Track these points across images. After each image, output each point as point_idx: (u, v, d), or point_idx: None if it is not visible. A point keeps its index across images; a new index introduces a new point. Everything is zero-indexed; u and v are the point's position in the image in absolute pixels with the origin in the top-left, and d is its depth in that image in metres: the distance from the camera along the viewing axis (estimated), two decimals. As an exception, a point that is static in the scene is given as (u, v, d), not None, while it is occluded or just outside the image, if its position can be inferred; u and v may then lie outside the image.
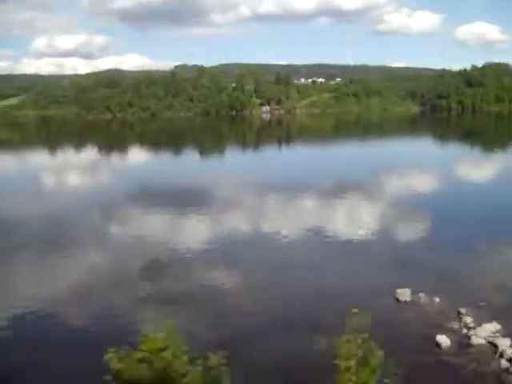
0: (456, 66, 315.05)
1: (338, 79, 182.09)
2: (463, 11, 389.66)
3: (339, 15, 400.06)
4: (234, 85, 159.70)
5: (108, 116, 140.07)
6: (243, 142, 63.76)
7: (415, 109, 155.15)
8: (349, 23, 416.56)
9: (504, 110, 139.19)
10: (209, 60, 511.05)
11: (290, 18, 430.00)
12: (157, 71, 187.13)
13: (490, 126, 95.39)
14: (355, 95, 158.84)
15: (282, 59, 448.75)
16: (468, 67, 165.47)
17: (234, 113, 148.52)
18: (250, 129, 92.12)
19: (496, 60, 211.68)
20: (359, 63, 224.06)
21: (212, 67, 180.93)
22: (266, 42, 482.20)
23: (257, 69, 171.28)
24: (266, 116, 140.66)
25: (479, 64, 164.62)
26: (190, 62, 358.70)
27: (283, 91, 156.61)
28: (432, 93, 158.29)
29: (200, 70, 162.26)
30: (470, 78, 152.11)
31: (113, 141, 75.42)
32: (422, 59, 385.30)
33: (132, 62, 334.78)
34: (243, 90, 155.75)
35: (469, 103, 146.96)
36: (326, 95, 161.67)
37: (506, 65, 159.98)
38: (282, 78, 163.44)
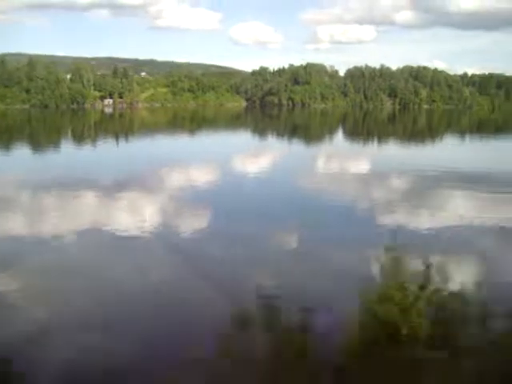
0: (235, 64, 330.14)
1: (143, 73, 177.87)
2: (240, 11, 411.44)
3: (119, 8, 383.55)
4: (69, 76, 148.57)
5: None
6: (79, 137, 56.12)
7: (244, 104, 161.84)
8: (128, 16, 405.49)
9: (328, 107, 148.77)
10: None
11: (69, 8, 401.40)
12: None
13: (315, 121, 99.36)
14: (190, 90, 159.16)
15: (69, 51, 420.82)
16: (286, 65, 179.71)
17: (75, 106, 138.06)
18: (89, 122, 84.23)
19: (316, 60, 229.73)
20: (148, 57, 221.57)
21: (39, 56, 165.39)
22: (48, 33, 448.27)
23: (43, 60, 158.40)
24: (109, 109, 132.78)
25: (297, 63, 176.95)
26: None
27: (125, 84, 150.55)
28: (257, 89, 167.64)
29: (30, 60, 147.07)
30: (298, 77, 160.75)
31: None
32: (204, 55, 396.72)
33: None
34: (82, 83, 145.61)
35: (298, 100, 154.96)
36: (162, 90, 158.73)
37: (322, 65, 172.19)
38: (120, 71, 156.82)
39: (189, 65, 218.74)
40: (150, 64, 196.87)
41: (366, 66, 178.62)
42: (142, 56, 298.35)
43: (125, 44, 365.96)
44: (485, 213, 17.98)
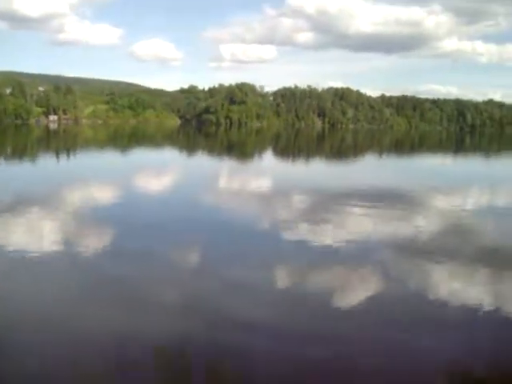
0: (134, 79, 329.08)
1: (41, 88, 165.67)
2: (142, 27, 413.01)
3: (19, 21, 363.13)
4: (8, 91, 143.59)
5: None
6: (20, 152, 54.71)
7: (179, 122, 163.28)
8: (29, 30, 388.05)
9: (264, 126, 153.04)
10: None
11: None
12: None
13: (250, 139, 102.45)
14: (131, 108, 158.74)
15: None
16: (216, 84, 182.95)
17: (19, 121, 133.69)
18: (32, 138, 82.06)
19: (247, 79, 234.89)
20: (53, 73, 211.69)
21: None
22: None
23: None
24: (54, 126, 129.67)
25: (225, 83, 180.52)
26: None
27: (69, 100, 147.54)
28: (189, 107, 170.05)
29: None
30: (234, 96, 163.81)
31: None
32: (107, 71, 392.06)
33: None
34: (25, 98, 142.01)
35: (236, 119, 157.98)
36: (102, 106, 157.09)
37: (253, 85, 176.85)
38: (62, 87, 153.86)
39: (96, 81, 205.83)
40: (56, 80, 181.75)
41: (296, 87, 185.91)
42: (46, 71, 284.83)
43: (27, 58, 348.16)
44: (377, 227, 18.69)
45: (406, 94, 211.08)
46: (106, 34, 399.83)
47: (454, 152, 78.18)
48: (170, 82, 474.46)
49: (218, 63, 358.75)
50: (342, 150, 74.77)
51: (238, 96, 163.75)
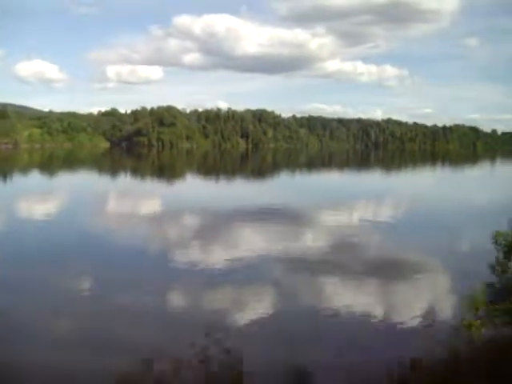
0: (20, 101, 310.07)
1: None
2: (24, 48, 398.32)
3: None
4: None
5: None
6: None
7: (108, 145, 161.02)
8: None
9: (193, 147, 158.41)
10: None
11: None
12: None
13: (182, 160, 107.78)
14: (64, 132, 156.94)
15: None
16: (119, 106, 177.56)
17: None
18: None
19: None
20: None
21: None
22: None
23: None
24: None
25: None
26: None
27: (7, 124, 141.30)
28: (115, 130, 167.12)
29: None
30: (163, 118, 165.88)
31: None
32: None
33: None
34: None
35: (167, 140, 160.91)
36: (36, 130, 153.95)
37: (176, 108, 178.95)
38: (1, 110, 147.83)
39: None
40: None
41: (218, 109, 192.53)
42: None
43: None
44: (269, 244, 20.10)
45: (293, 113, 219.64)
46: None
47: (359, 168, 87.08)
48: (56, 103, 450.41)
49: (104, 84, 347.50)
50: (262, 170, 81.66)
51: (166, 118, 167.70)
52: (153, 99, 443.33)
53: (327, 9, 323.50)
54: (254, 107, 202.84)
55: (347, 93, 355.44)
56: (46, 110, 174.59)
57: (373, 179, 63.06)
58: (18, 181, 52.36)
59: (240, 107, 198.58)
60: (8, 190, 42.39)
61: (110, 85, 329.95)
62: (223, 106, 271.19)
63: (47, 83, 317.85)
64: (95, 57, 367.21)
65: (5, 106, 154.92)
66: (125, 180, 57.47)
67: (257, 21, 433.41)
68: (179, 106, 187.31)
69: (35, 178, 56.45)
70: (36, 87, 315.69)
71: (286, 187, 49.82)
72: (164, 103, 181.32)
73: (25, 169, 71.40)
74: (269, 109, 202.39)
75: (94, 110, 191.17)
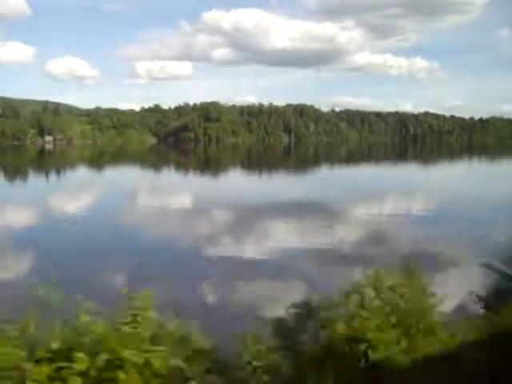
0: (54, 98, 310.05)
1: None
2: (55, 45, 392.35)
3: None
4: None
5: None
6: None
7: (154, 140, 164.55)
8: None
9: (238, 141, 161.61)
10: None
11: None
12: None
13: (228, 154, 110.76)
14: (114, 127, 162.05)
15: None
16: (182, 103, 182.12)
17: (16, 143, 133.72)
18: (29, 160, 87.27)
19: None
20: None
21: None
22: None
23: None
24: (49, 146, 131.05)
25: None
26: None
27: (61, 121, 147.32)
28: (160, 125, 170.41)
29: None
30: (209, 114, 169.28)
31: None
32: (23, 90, 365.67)
33: None
34: (18, 119, 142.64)
35: (214, 135, 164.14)
36: (87, 126, 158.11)
37: (219, 103, 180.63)
38: (50, 108, 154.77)
39: (21, 101, 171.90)
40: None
41: (260, 104, 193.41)
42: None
43: None
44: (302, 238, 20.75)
45: (320, 106, 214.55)
46: (19, 52, 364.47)
47: (401, 161, 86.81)
48: (87, 100, 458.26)
49: (134, 80, 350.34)
50: (305, 162, 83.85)
51: (212, 113, 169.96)
52: (183, 94, 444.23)
53: (356, 2, 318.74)
54: (281, 102, 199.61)
55: (377, 86, 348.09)
56: (79, 106, 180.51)
57: (418, 173, 62.26)
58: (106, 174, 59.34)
59: (270, 101, 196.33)
60: (103, 183, 48.37)
61: (141, 81, 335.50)
62: (252, 100, 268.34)
63: (79, 80, 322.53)
64: (125, 53, 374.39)
65: (45, 103, 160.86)
66: (177, 175, 61.59)
67: (286, 15, 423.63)
68: (220, 100, 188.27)
69: (107, 172, 63.06)
70: (68, 84, 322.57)
71: (337, 181, 50.77)
72: (194, 98, 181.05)
73: (93, 164, 76.77)
74: (294, 102, 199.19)
75: (126, 106, 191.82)
